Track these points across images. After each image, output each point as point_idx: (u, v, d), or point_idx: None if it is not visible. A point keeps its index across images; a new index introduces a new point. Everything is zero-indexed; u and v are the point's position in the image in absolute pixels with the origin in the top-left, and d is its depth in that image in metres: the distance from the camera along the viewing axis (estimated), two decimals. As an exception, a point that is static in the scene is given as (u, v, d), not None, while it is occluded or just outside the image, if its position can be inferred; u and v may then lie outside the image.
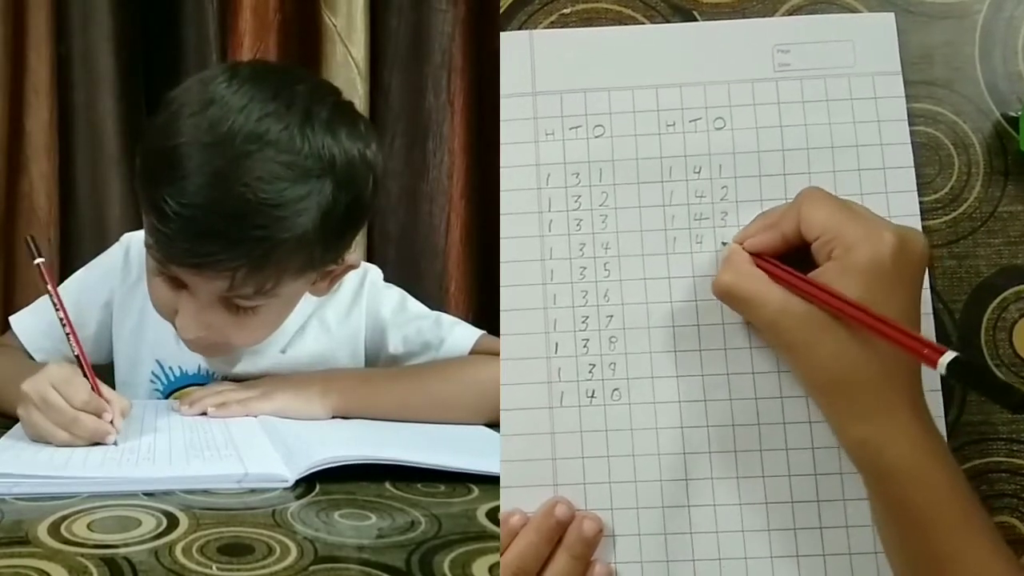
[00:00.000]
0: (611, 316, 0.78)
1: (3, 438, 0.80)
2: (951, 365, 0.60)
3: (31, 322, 1.05)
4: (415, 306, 1.09)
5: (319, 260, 0.89)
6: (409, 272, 1.19)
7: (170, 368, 1.04)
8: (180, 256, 0.83)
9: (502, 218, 0.80)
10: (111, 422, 0.78)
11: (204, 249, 0.81)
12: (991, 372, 0.77)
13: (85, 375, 0.81)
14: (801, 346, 0.68)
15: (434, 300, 1.11)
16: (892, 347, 0.64)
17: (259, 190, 0.80)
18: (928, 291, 0.77)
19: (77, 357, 0.83)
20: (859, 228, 0.68)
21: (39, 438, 0.78)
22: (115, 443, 0.78)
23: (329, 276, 0.96)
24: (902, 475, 0.65)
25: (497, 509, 0.68)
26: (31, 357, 1.03)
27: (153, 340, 1.03)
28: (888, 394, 0.67)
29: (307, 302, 1.00)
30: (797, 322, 0.68)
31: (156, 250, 0.84)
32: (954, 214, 0.80)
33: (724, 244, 0.77)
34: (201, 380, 1.03)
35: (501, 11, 0.83)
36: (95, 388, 0.80)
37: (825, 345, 0.67)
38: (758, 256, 0.72)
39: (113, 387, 0.89)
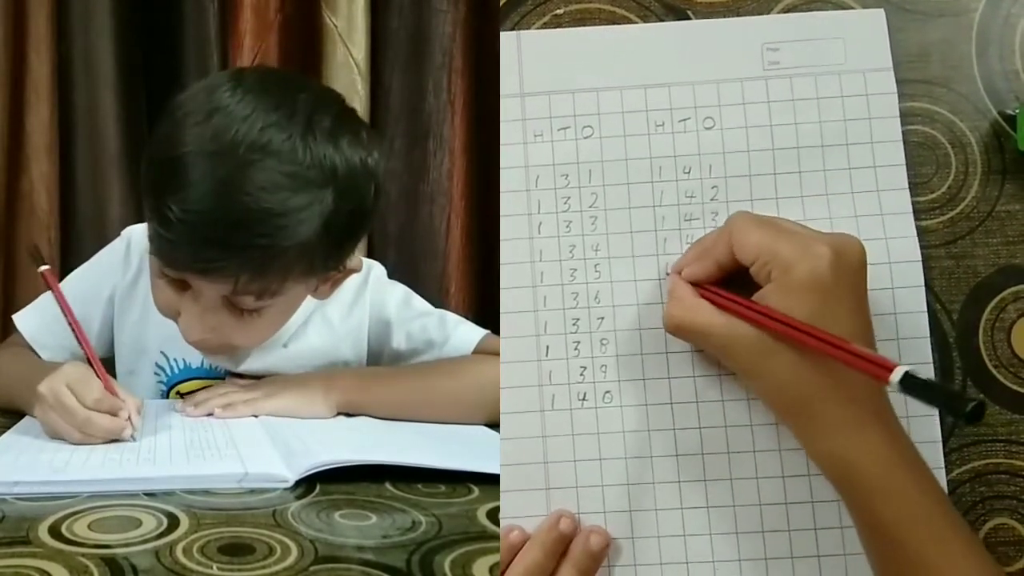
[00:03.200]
0: (602, 318, 0.77)
1: (4, 437, 0.80)
2: (904, 380, 0.59)
3: (35, 319, 1.05)
4: (419, 303, 1.08)
5: (321, 266, 0.89)
6: (409, 273, 1.18)
7: (175, 360, 1.04)
8: (183, 262, 0.83)
9: (502, 220, 0.80)
10: (128, 419, 0.79)
11: (207, 255, 0.81)
12: (940, 385, 0.74)
13: (98, 375, 0.82)
14: (756, 370, 0.69)
15: (434, 301, 1.10)
16: None
17: (262, 199, 0.80)
18: (924, 291, 0.77)
19: (88, 358, 0.84)
20: (793, 246, 0.67)
21: (56, 437, 0.78)
22: (134, 439, 0.79)
23: (331, 280, 0.96)
24: (871, 490, 0.66)
25: (497, 510, 0.67)
26: (36, 354, 1.03)
27: (157, 332, 1.03)
28: (851, 409, 0.66)
29: (310, 298, 1.00)
30: (747, 347, 0.68)
31: (159, 256, 0.85)
32: (951, 214, 0.79)
33: (667, 274, 0.77)
34: (205, 373, 1.03)
35: (497, 13, 0.83)
36: (108, 387, 0.81)
37: (780, 367, 0.67)
38: (700, 285, 0.72)
39: (115, 380, 0.89)
